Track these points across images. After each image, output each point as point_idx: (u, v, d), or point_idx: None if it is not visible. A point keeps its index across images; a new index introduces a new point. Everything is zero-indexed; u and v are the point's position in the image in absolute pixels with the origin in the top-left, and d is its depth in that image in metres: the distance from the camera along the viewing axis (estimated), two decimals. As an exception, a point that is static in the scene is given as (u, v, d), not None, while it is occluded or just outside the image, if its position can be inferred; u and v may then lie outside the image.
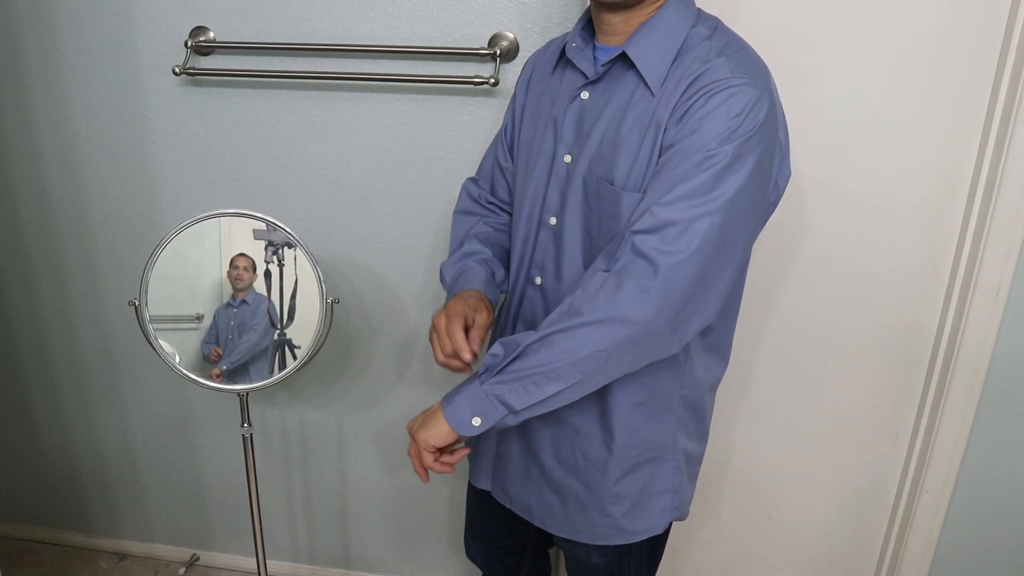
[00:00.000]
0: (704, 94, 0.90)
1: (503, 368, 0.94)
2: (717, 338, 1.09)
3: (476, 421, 0.95)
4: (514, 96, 1.17)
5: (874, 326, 1.45)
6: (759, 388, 1.53)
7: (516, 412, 0.94)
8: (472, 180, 1.25)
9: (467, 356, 0.99)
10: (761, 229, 0.97)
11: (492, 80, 1.32)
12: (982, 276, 1.33)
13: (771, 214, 0.99)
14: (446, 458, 1.01)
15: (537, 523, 1.16)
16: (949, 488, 1.50)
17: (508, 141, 1.18)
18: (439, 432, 0.97)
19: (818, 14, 1.27)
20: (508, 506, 1.19)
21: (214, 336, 1.31)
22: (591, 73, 1.00)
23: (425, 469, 1.01)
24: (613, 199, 0.97)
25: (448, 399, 0.98)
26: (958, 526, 1.54)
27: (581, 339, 0.90)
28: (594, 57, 1.01)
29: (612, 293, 0.90)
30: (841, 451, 1.56)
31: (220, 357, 1.32)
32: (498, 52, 1.33)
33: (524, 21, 1.34)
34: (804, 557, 1.67)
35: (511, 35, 1.35)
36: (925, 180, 1.34)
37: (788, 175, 0.99)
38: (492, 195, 1.22)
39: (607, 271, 0.92)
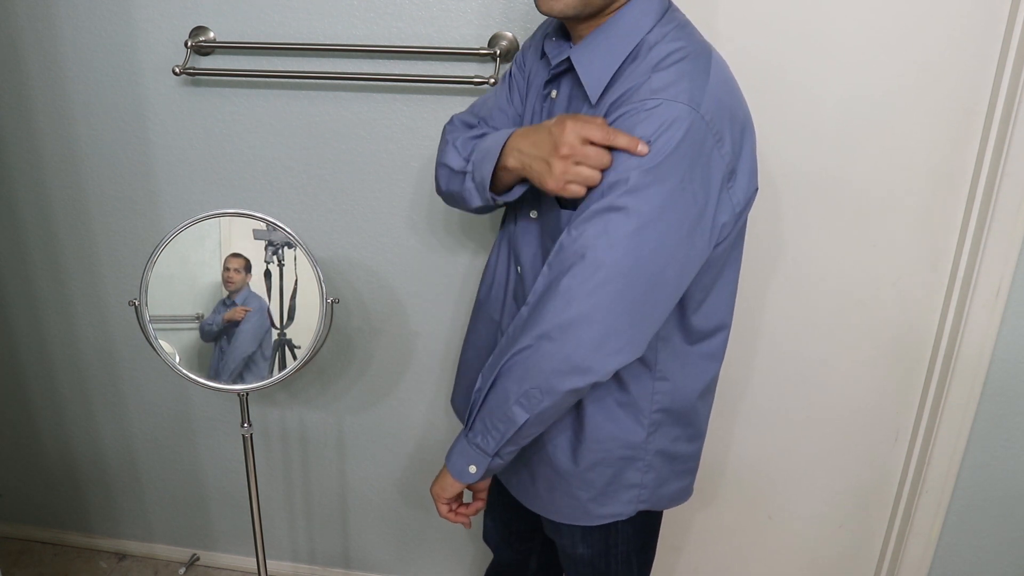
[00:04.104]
0: (622, 114, 0.89)
1: (472, 420, 1.00)
2: (711, 346, 1.08)
3: (472, 469, 1.02)
4: (523, 56, 1.14)
5: (874, 326, 1.45)
6: (759, 388, 1.53)
7: (493, 455, 1.00)
8: (460, 116, 1.17)
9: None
10: (707, 253, 0.94)
11: (492, 80, 1.32)
12: (982, 276, 1.33)
13: (726, 235, 0.96)
14: (462, 509, 1.12)
15: (515, 495, 1.18)
16: (949, 488, 1.50)
17: (520, 90, 1.12)
18: (445, 484, 1.06)
19: (817, 14, 1.27)
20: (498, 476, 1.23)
21: (212, 337, 1.31)
22: (549, 71, 1.02)
23: (466, 517, 1.13)
24: (557, 215, 0.98)
25: (448, 453, 1.05)
26: (958, 526, 1.54)
27: (505, 386, 0.95)
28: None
29: (521, 331, 0.94)
30: (841, 451, 1.56)
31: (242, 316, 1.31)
32: (498, 52, 1.33)
33: (524, 21, 1.34)
34: (804, 557, 1.67)
35: (511, 35, 1.35)
36: (925, 180, 1.34)
37: (751, 189, 0.96)
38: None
39: (526, 304, 0.95)
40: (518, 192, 1.00)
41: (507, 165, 0.96)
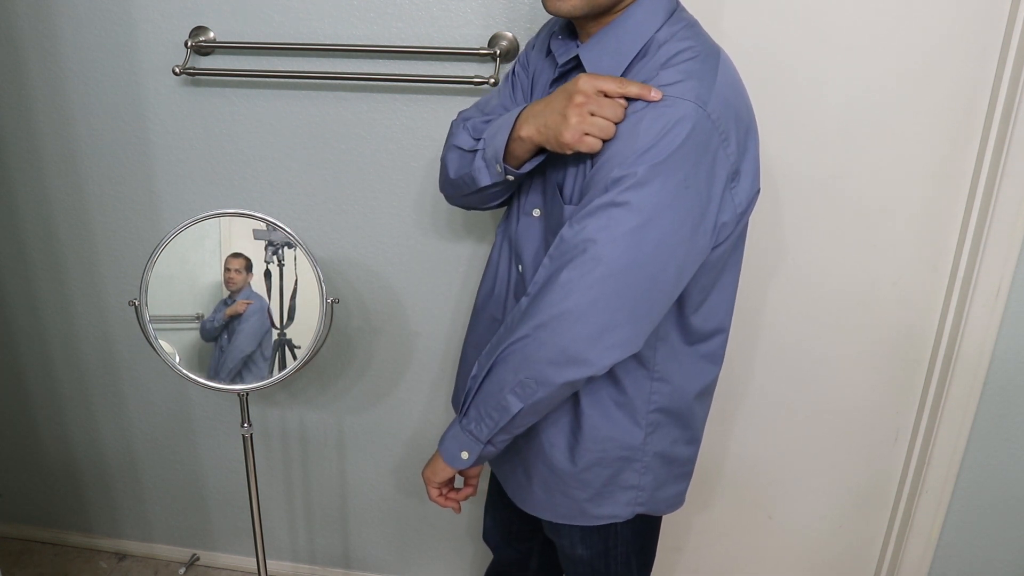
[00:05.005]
0: (631, 110, 0.89)
1: (467, 407, 1.01)
2: (709, 347, 1.08)
3: (464, 455, 1.04)
4: (526, 56, 1.14)
5: (874, 326, 1.45)
6: (759, 388, 1.53)
7: (486, 443, 1.01)
8: (465, 113, 1.17)
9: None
10: (707, 251, 0.94)
11: (492, 80, 1.32)
12: (982, 276, 1.33)
13: (726, 236, 0.96)
14: (452, 494, 1.13)
15: (509, 494, 1.19)
16: (949, 488, 1.50)
17: (523, 88, 1.13)
18: (436, 468, 1.08)
19: (818, 14, 1.27)
20: (493, 470, 1.24)
21: (213, 336, 1.31)
22: (556, 70, 1.02)
23: (455, 502, 1.14)
24: (560, 210, 0.98)
25: (442, 438, 1.07)
26: (958, 526, 1.54)
27: (500, 374, 0.96)
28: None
29: (520, 321, 0.94)
30: (841, 451, 1.56)
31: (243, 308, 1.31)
32: (498, 52, 1.33)
33: (525, 21, 1.34)
34: (804, 557, 1.67)
35: (511, 35, 1.35)
36: (925, 180, 1.34)
37: (753, 190, 0.96)
38: None
39: (526, 295, 0.95)
40: (531, 165, 0.99)
41: (521, 134, 0.96)
